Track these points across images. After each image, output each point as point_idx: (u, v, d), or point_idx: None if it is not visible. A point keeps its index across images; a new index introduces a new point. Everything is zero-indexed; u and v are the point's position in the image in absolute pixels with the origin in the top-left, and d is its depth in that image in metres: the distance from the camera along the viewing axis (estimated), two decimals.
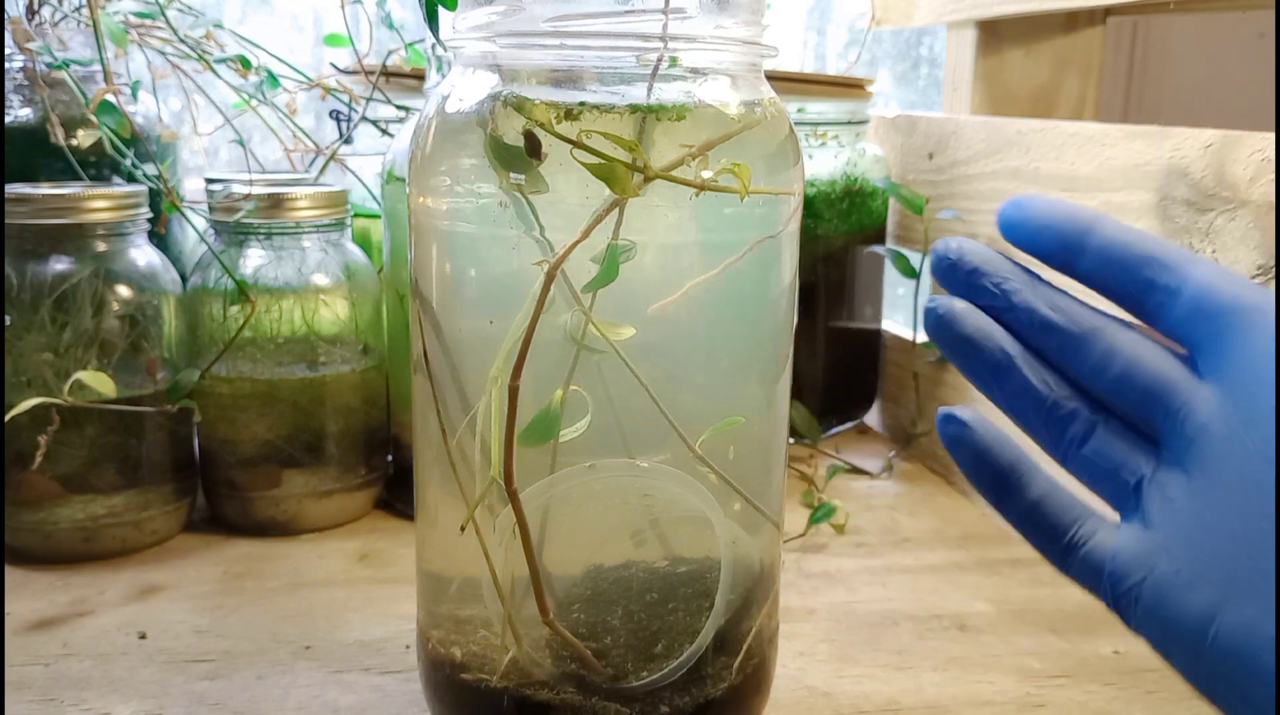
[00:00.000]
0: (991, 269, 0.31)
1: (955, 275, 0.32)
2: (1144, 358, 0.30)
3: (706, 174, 0.34)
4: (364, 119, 0.69)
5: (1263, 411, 0.27)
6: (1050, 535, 0.31)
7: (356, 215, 0.67)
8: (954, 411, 0.32)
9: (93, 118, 0.57)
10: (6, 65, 0.64)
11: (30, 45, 0.60)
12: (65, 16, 0.66)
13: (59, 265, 0.55)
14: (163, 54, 0.69)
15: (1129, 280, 0.30)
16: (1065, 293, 0.31)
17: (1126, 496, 0.30)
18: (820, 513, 0.60)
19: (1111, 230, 0.30)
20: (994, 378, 0.31)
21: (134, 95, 0.63)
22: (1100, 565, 0.30)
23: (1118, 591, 0.29)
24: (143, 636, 0.49)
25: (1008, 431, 0.32)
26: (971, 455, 0.32)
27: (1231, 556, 0.27)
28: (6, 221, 0.54)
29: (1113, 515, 0.31)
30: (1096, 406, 0.31)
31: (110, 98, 0.57)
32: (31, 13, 0.65)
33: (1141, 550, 0.29)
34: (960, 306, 0.32)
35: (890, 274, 0.79)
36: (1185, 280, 0.29)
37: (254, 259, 0.59)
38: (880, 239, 0.79)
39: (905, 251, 0.76)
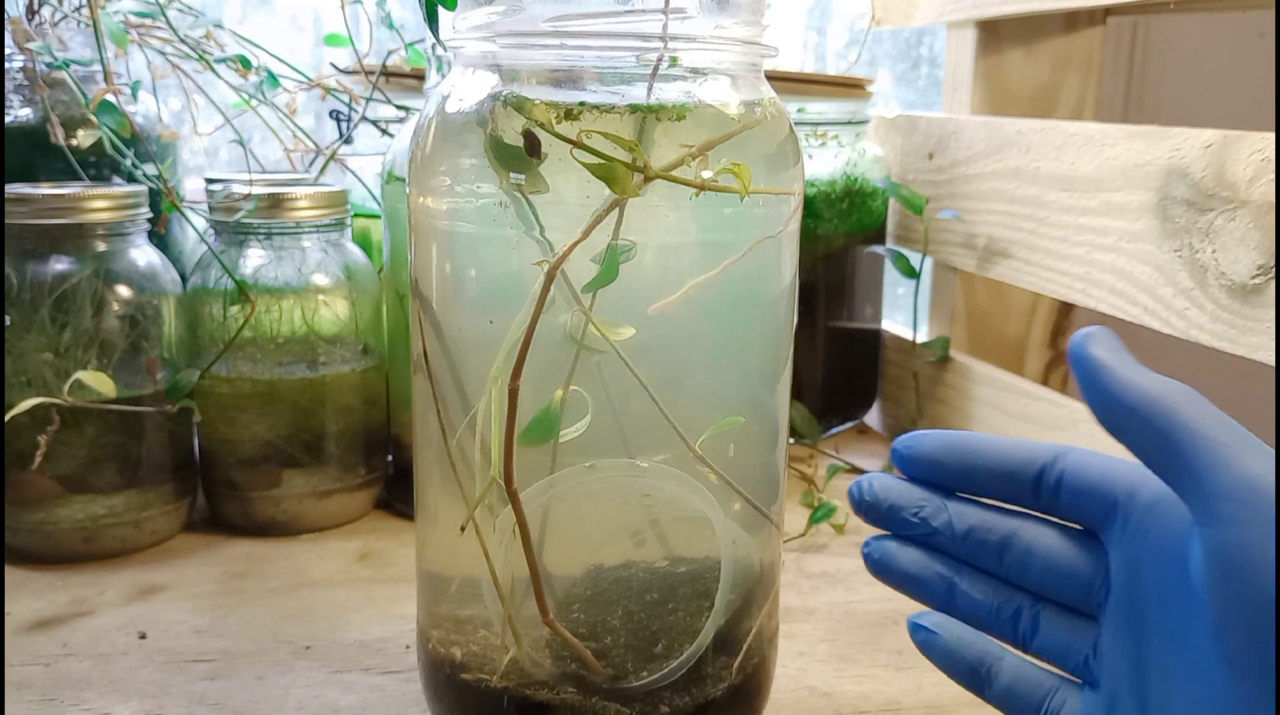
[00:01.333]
0: (906, 501, 0.36)
1: (876, 513, 0.36)
2: (1057, 550, 0.35)
3: (706, 174, 0.34)
4: (364, 119, 0.69)
5: (1144, 577, 0.32)
6: (1027, 712, 0.35)
7: (356, 215, 0.67)
8: (921, 620, 0.36)
9: (93, 118, 0.57)
10: (6, 65, 0.64)
11: (30, 45, 0.60)
12: (65, 16, 0.66)
13: (59, 265, 0.55)
14: (163, 54, 0.69)
15: (1019, 487, 0.35)
16: (977, 503, 0.36)
17: (1082, 671, 0.34)
18: (820, 513, 0.60)
19: (992, 449, 0.35)
20: (943, 600, 0.36)
21: (134, 95, 0.63)
22: None
23: None
24: (143, 636, 0.49)
25: (967, 626, 0.36)
26: (942, 657, 0.36)
27: (1166, 696, 0.31)
28: (6, 221, 0.54)
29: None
30: (1036, 599, 0.35)
31: (110, 98, 0.57)
32: (31, 13, 0.65)
33: (1100, 711, 0.33)
34: (892, 547, 0.36)
35: (890, 274, 0.79)
36: (1062, 474, 0.34)
37: (254, 259, 0.59)
38: (880, 239, 0.79)
39: (905, 251, 0.76)
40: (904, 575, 0.36)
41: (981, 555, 0.36)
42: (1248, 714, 0.28)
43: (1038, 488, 0.35)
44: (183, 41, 0.65)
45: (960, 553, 0.36)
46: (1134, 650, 0.32)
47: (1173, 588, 0.31)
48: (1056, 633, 0.35)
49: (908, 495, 0.36)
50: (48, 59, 0.59)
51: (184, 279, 0.60)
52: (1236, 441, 0.29)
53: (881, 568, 0.36)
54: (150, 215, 0.58)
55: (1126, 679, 0.32)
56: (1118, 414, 0.31)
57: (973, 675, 0.36)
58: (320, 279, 0.60)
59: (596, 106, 0.34)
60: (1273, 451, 0.29)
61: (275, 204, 0.58)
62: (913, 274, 0.73)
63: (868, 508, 0.36)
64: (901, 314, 0.84)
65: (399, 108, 0.69)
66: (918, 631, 0.36)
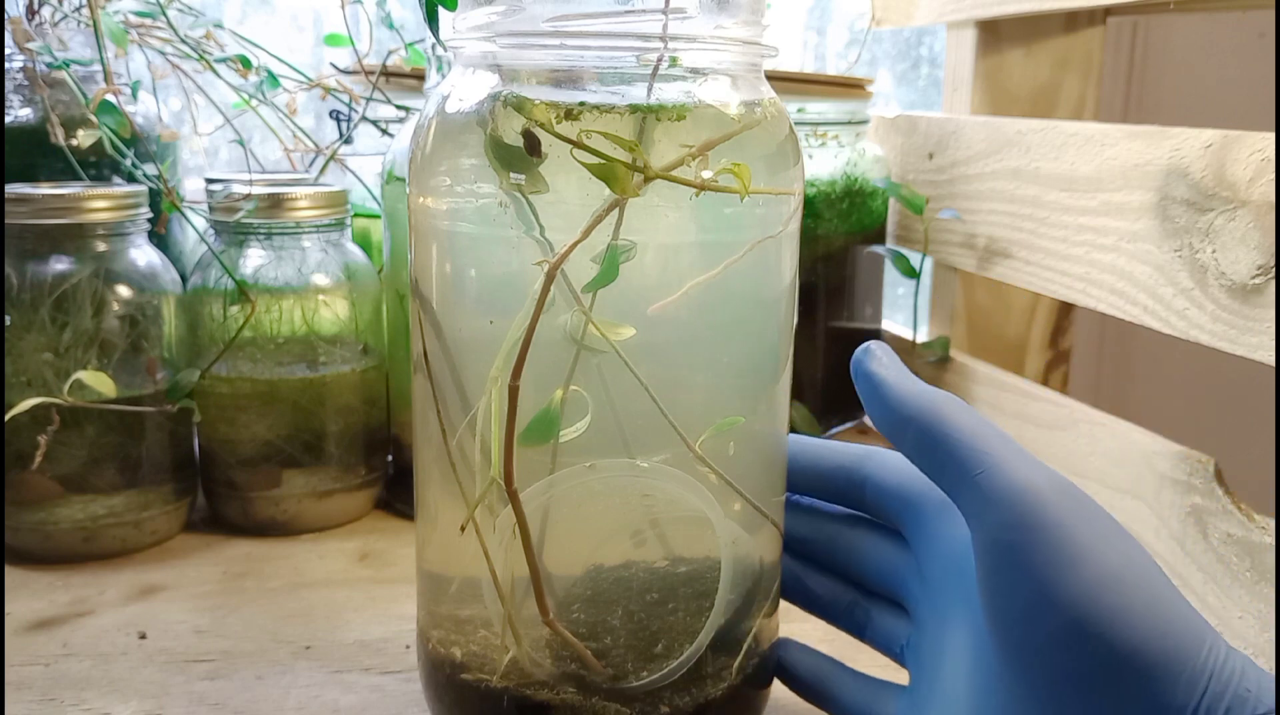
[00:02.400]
0: None
1: None
2: (874, 549, 0.38)
3: (706, 174, 0.34)
4: (364, 119, 0.69)
5: (939, 564, 0.35)
6: None
7: (356, 215, 0.67)
8: (785, 645, 0.41)
9: (93, 118, 0.57)
10: (6, 65, 0.64)
11: (30, 45, 0.60)
12: (65, 16, 0.66)
13: (59, 265, 0.55)
14: (163, 54, 0.69)
15: (835, 491, 0.39)
16: (814, 507, 0.40)
17: (901, 661, 0.38)
18: None
19: (805, 454, 0.39)
20: (799, 596, 0.41)
21: (134, 95, 0.63)
22: None
23: None
24: (143, 636, 0.49)
25: (811, 649, 0.41)
26: (794, 680, 0.41)
27: (956, 687, 0.33)
28: (6, 221, 0.54)
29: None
30: (867, 593, 0.39)
31: (110, 98, 0.57)
32: (31, 13, 0.65)
33: (906, 711, 0.36)
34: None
35: (890, 274, 0.79)
36: (865, 480, 0.38)
37: (254, 259, 0.59)
38: (880, 239, 0.79)
39: (905, 251, 0.76)
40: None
41: (817, 555, 0.40)
42: (1021, 710, 0.29)
43: (848, 491, 0.39)
44: (183, 41, 0.65)
45: (802, 552, 0.40)
46: (936, 643, 0.35)
47: (964, 585, 0.33)
48: (883, 625, 0.38)
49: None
50: (48, 59, 0.59)
51: (184, 279, 0.60)
52: (1003, 449, 0.31)
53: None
54: (150, 215, 0.58)
55: (929, 670, 0.35)
56: (895, 423, 0.33)
57: (818, 692, 0.40)
58: (320, 279, 0.60)
59: (596, 106, 0.34)
60: (1035, 459, 0.31)
61: (275, 204, 0.58)
62: (913, 274, 0.73)
63: None
64: (901, 314, 0.84)
65: (399, 108, 0.69)
66: (782, 653, 0.41)
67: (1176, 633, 0.27)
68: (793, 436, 0.39)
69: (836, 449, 0.39)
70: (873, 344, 0.35)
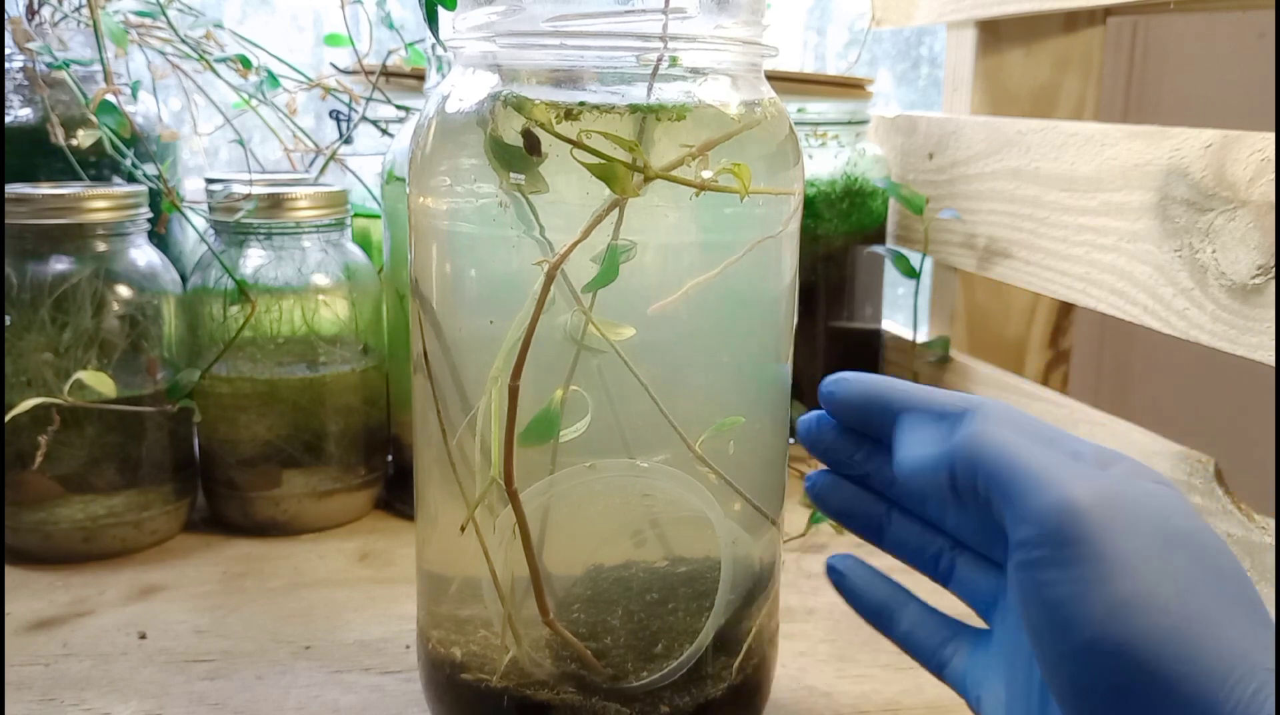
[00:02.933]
0: (840, 446, 0.38)
1: (819, 450, 0.39)
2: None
3: (706, 174, 0.34)
4: (364, 119, 0.69)
5: (1030, 543, 0.31)
6: (923, 656, 0.38)
7: (356, 215, 0.67)
8: (834, 561, 0.40)
9: (93, 118, 0.57)
10: (6, 65, 0.64)
11: (30, 45, 0.60)
12: (65, 16, 0.66)
13: (59, 265, 0.55)
14: (163, 54, 0.69)
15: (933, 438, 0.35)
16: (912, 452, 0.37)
17: (986, 616, 0.37)
18: (820, 513, 0.60)
19: (906, 397, 0.36)
20: (874, 536, 0.39)
21: (134, 95, 0.63)
22: (959, 681, 0.36)
23: (970, 704, 0.36)
24: (143, 636, 0.49)
25: (880, 572, 0.40)
26: (850, 596, 0.39)
27: (1026, 682, 0.33)
28: (6, 221, 0.54)
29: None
30: (955, 542, 0.38)
31: (110, 98, 0.57)
32: (31, 13, 0.65)
33: (983, 667, 0.35)
34: (828, 483, 0.39)
35: (890, 274, 0.79)
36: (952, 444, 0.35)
37: (254, 259, 0.59)
38: (880, 239, 0.79)
39: (905, 251, 0.76)
40: (837, 510, 0.39)
41: (906, 500, 0.38)
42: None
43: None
44: (183, 41, 0.65)
45: (890, 495, 0.39)
46: (1017, 633, 0.33)
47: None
48: (969, 576, 0.37)
49: (841, 439, 0.38)
50: (48, 59, 0.59)
51: (184, 279, 0.60)
52: (1042, 462, 0.30)
53: (819, 500, 0.40)
54: (150, 215, 0.58)
55: (1013, 633, 0.34)
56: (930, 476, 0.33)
57: (877, 616, 0.39)
58: (320, 279, 0.60)
59: (596, 106, 0.34)
60: (1091, 470, 0.30)
61: (275, 204, 0.58)
62: (913, 274, 0.73)
63: (810, 445, 0.39)
64: (901, 314, 0.84)
65: (399, 108, 0.69)
66: (831, 572, 0.40)
67: (1202, 659, 0.26)
68: (890, 382, 0.36)
69: (940, 396, 0.36)
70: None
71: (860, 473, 0.38)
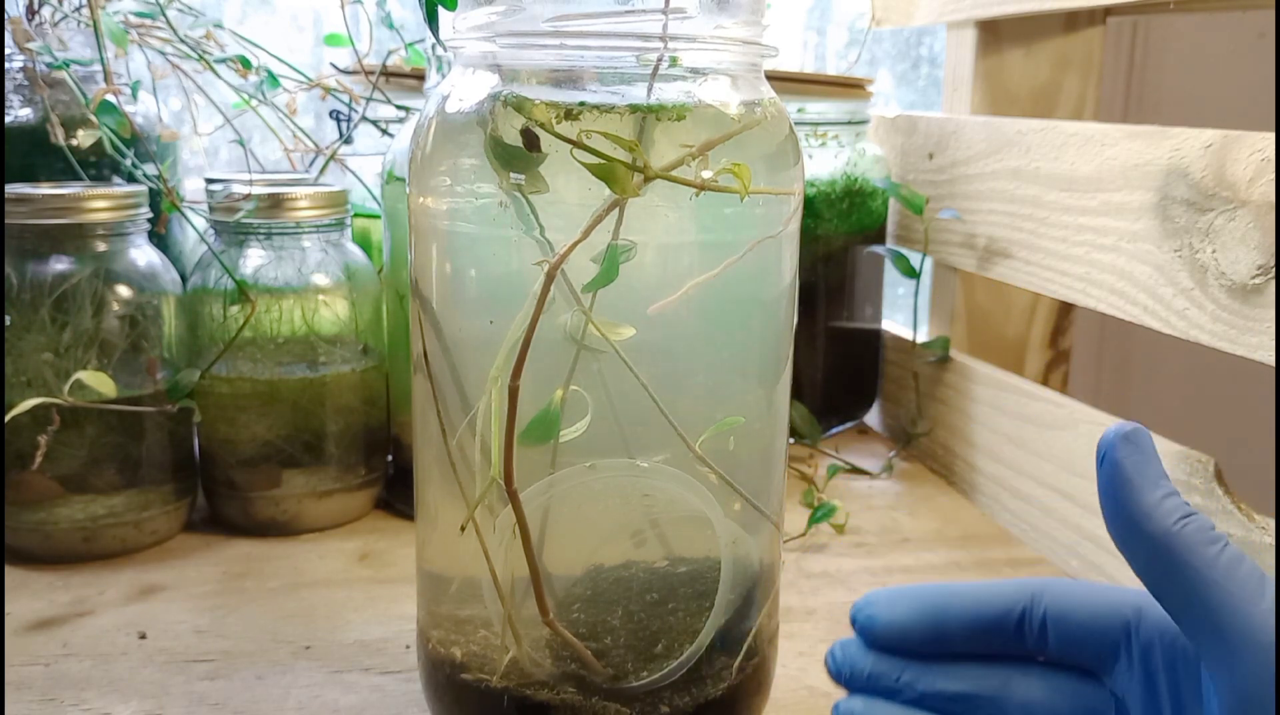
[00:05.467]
0: (883, 668, 0.35)
1: (857, 683, 0.35)
2: (1059, 697, 0.33)
3: (706, 174, 0.34)
4: (364, 119, 0.69)
5: (1159, 700, 0.31)
6: None
7: (356, 215, 0.67)
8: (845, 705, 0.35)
9: (93, 118, 0.57)
10: (6, 65, 0.64)
11: (30, 45, 0.60)
12: (65, 16, 0.66)
13: (59, 265, 0.55)
14: (163, 54, 0.69)
15: (1001, 640, 0.34)
16: (959, 658, 0.35)
17: None
18: (820, 513, 0.60)
19: (960, 605, 0.34)
20: None
21: (134, 95, 0.63)
22: None
23: None
24: (143, 636, 0.49)
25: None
26: None
27: None
28: (6, 221, 0.54)
29: None
30: None
31: (110, 98, 0.57)
32: (31, 13, 0.65)
33: None
34: (859, 705, 0.35)
35: (890, 274, 0.79)
36: (1044, 619, 0.33)
37: (254, 259, 0.59)
38: (880, 239, 0.79)
39: (905, 251, 0.76)
40: None
41: (977, 712, 0.34)
42: None
43: (1020, 634, 0.34)
44: (183, 41, 0.65)
45: (951, 712, 0.34)
46: None
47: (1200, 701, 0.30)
48: None
49: (884, 662, 0.35)
50: (48, 59, 0.59)
51: (184, 279, 0.60)
52: (1245, 586, 0.28)
53: None
54: (150, 215, 0.58)
55: None
56: (1132, 539, 0.30)
57: None
58: (320, 279, 0.60)
59: (596, 106, 0.34)
60: (1271, 594, 0.28)
61: (275, 204, 0.58)
62: (913, 274, 0.73)
63: (847, 680, 0.35)
64: (901, 314, 0.84)
65: (399, 108, 0.69)
66: None
67: None
68: (932, 590, 0.35)
69: (1000, 590, 0.34)
70: (1130, 429, 0.30)
71: (912, 697, 0.35)
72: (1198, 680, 0.30)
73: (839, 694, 0.45)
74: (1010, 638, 0.34)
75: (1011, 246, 0.66)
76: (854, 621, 0.35)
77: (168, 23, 0.63)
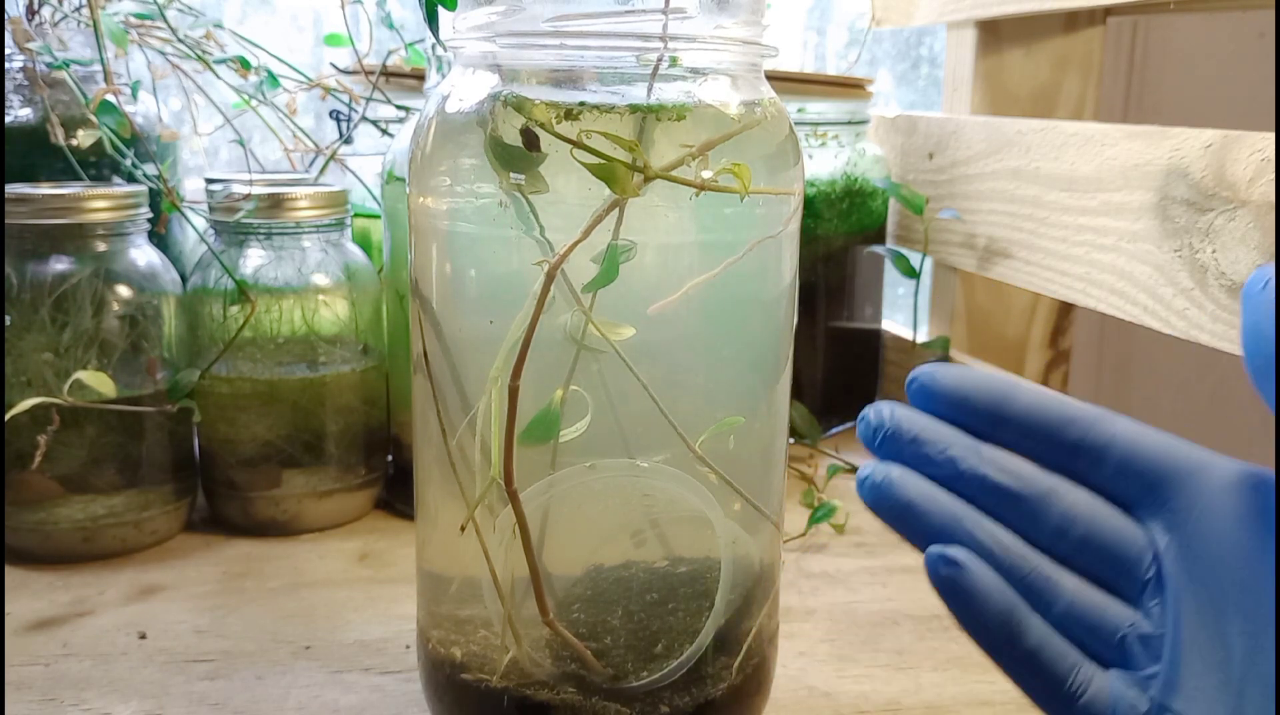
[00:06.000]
0: (932, 437, 0.31)
1: (895, 445, 0.32)
2: (1103, 520, 0.31)
3: (706, 174, 0.34)
4: (364, 119, 0.69)
5: (1219, 558, 0.29)
6: (1048, 684, 0.30)
7: (356, 215, 0.67)
8: (946, 551, 0.30)
9: (93, 118, 0.57)
10: (6, 65, 0.64)
11: (30, 45, 0.60)
12: (65, 16, 0.66)
13: (59, 265, 0.55)
14: (163, 54, 0.69)
15: (1053, 445, 0.31)
16: (1011, 455, 0.32)
17: (1112, 651, 0.31)
18: (820, 513, 0.60)
19: (1027, 397, 0.31)
20: (944, 541, 0.31)
21: (134, 95, 0.63)
22: (1107, 711, 0.30)
23: None
24: (143, 636, 0.49)
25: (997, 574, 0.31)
26: (966, 599, 0.30)
27: (1239, 699, 0.28)
28: (6, 221, 0.54)
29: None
30: (1063, 566, 0.31)
31: (110, 98, 0.57)
32: (31, 13, 0.65)
33: (1141, 700, 0.30)
34: (897, 472, 0.31)
35: (890, 274, 0.79)
36: (1110, 441, 0.31)
37: (254, 259, 0.59)
38: (880, 239, 0.79)
39: (905, 251, 0.76)
40: (905, 505, 0.31)
41: (1010, 511, 0.31)
42: None
43: (1076, 450, 0.31)
44: (182, 41, 0.65)
45: (987, 506, 0.31)
46: (1214, 632, 0.29)
47: (1262, 572, 0.28)
48: (1086, 607, 0.31)
49: (934, 431, 0.31)
50: (48, 59, 0.59)
51: (184, 279, 0.60)
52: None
53: (879, 493, 0.31)
54: (150, 215, 0.58)
55: (1204, 662, 0.29)
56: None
57: (1000, 627, 0.30)
58: (320, 279, 0.60)
59: (596, 106, 0.34)
60: None
61: (275, 204, 0.58)
62: (913, 274, 0.73)
63: (886, 437, 0.32)
64: (901, 314, 0.84)
65: (399, 108, 0.69)
66: (940, 564, 0.30)
67: None
68: (1002, 376, 0.32)
69: (1062, 400, 0.31)
70: None
71: (949, 474, 0.31)
72: (1263, 532, 0.29)
73: (839, 694, 0.45)
74: (1067, 449, 0.31)
75: (1011, 246, 0.66)
76: (912, 381, 0.32)
77: (167, 23, 0.63)
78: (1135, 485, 0.31)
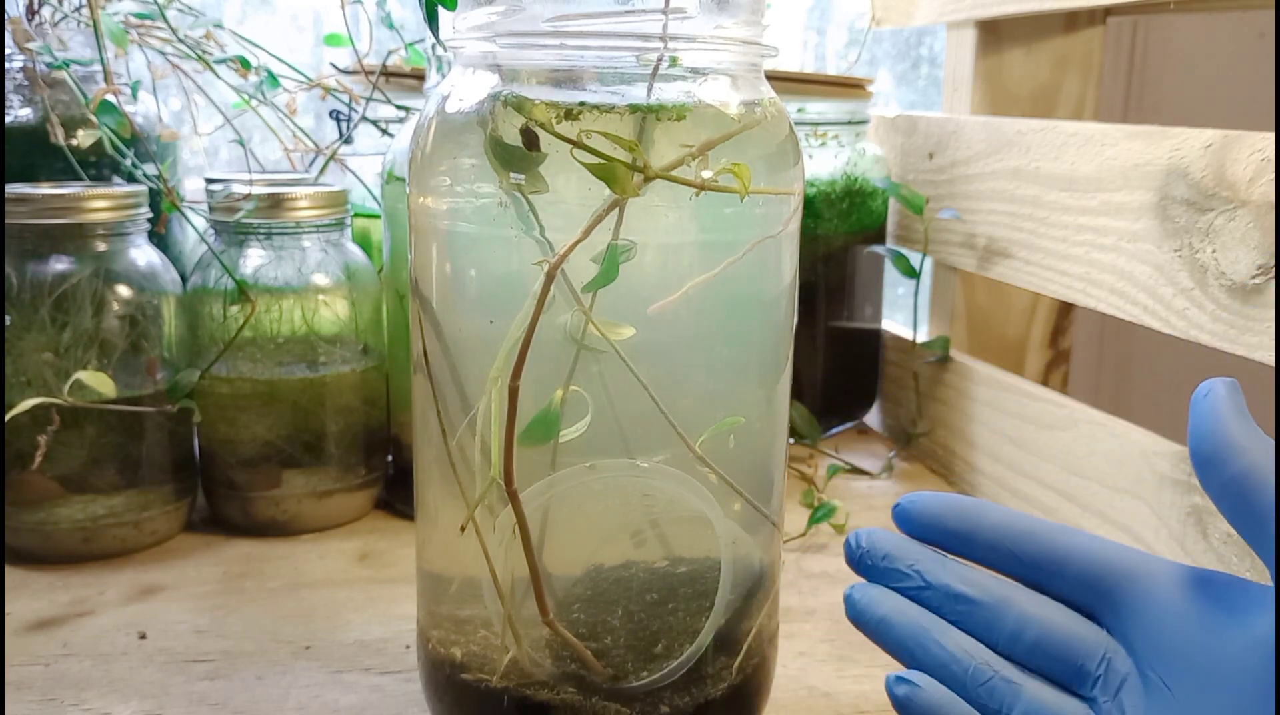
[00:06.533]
0: (901, 553, 0.35)
1: (869, 562, 0.36)
2: (1055, 623, 0.34)
3: (706, 174, 0.34)
4: (364, 119, 0.69)
5: (1172, 648, 0.32)
6: None
7: (356, 215, 0.67)
8: (904, 673, 0.34)
9: (93, 118, 0.57)
10: (6, 65, 0.64)
11: (30, 45, 0.60)
12: (65, 16, 0.66)
13: (59, 265, 0.55)
14: (163, 54, 0.69)
15: (1018, 559, 0.35)
16: (972, 566, 0.36)
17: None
18: (820, 513, 0.60)
19: (995, 516, 0.35)
20: (916, 651, 0.35)
21: (134, 95, 0.63)
22: None
23: None
24: (143, 636, 0.49)
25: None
26: None
27: None
28: (6, 221, 0.54)
29: None
30: (1018, 670, 0.34)
31: (110, 98, 0.57)
32: (31, 13, 0.65)
33: None
34: (875, 592, 0.35)
35: (890, 274, 0.79)
36: (1068, 553, 0.35)
37: (254, 259, 0.59)
38: (880, 239, 0.79)
39: (905, 251, 0.76)
40: (879, 620, 0.35)
41: (972, 619, 0.35)
42: None
43: (1038, 563, 0.35)
44: (182, 41, 0.65)
45: (951, 614, 0.35)
46: None
47: (1212, 667, 0.31)
48: (1041, 706, 0.34)
49: (904, 548, 0.36)
50: (48, 59, 0.59)
51: (184, 279, 0.60)
52: None
53: (858, 610, 0.35)
54: (150, 215, 0.58)
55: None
56: (1215, 457, 0.33)
57: None
58: (320, 279, 0.60)
59: (596, 106, 0.34)
60: None
61: (275, 204, 0.58)
62: (913, 274, 0.73)
63: (861, 556, 0.36)
64: (901, 314, 0.84)
65: (399, 108, 0.69)
66: (899, 684, 0.34)
67: None
68: (975, 500, 0.36)
69: (1028, 517, 0.35)
70: (1221, 381, 0.34)
71: (918, 586, 0.35)
72: (1213, 628, 0.31)
73: (839, 694, 0.45)
74: (1030, 562, 0.35)
75: (1011, 246, 0.66)
76: (896, 507, 0.36)
77: (167, 23, 0.63)
78: (1092, 592, 0.34)
